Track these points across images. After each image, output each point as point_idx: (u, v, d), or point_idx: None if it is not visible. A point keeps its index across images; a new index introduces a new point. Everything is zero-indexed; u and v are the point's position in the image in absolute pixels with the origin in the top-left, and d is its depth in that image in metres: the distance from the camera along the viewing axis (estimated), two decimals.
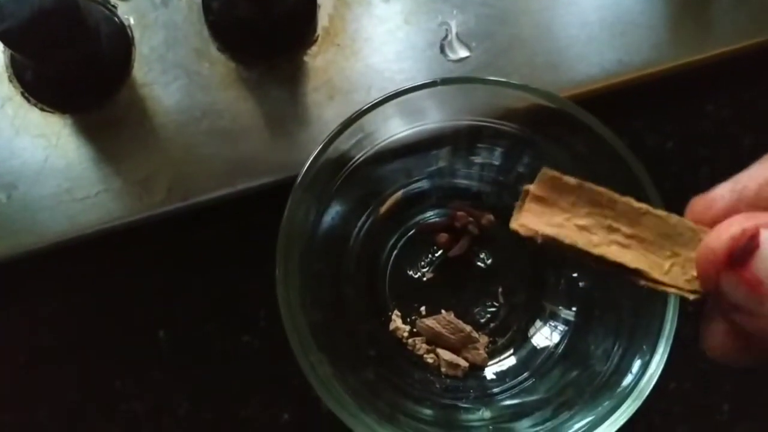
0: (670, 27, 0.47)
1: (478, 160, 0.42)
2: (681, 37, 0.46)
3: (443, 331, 0.42)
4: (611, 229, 0.28)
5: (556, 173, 0.29)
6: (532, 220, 0.28)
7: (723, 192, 0.25)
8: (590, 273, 0.41)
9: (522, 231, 0.28)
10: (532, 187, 0.29)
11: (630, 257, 0.27)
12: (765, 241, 0.21)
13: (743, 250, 0.22)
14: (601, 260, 0.27)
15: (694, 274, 0.26)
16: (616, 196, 0.28)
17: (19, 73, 0.44)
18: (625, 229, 0.27)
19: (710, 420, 0.45)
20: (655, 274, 0.27)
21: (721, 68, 0.47)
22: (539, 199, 0.29)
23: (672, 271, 0.26)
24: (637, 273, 0.27)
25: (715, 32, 0.47)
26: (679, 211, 0.27)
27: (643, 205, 0.27)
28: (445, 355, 0.42)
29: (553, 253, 0.29)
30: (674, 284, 0.26)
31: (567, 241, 0.27)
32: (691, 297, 0.26)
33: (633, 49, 0.46)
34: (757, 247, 0.21)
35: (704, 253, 0.23)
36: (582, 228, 0.28)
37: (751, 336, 0.23)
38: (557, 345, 0.41)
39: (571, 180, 0.28)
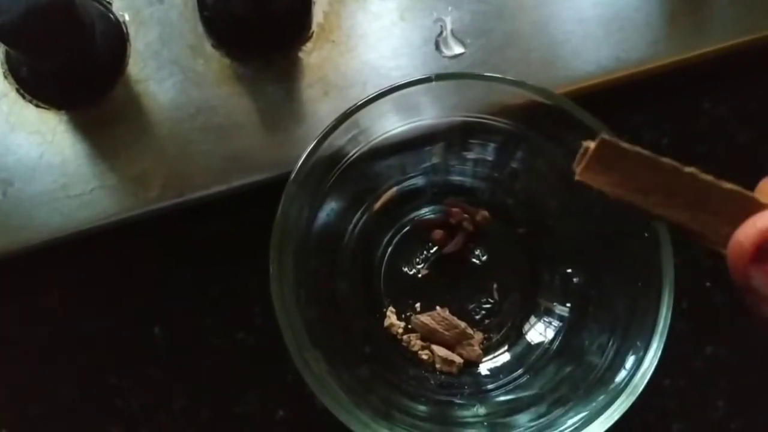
0: (667, 23, 0.46)
1: (471, 156, 0.42)
2: (678, 34, 0.46)
3: (438, 327, 0.42)
4: (670, 194, 0.28)
5: (615, 141, 0.28)
6: (592, 176, 0.29)
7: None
8: (585, 269, 0.41)
9: (587, 182, 0.29)
10: (590, 146, 0.29)
11: (687, 217, 0.27)
12: None
13: None
14: (660, 218, 0.28)
15: None
16: (678, 166, 0.28)
17: (14, 69, 0.44)
18: (684, 195, 0.27)
19: (705, 417, 0.45)
20: (712, 237, 0.27)
21: (717, 65, 0.47)
22: (599, 159, 0.29)
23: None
24: (694, 233, 0.27)
25: (711, 29, 0.47)
26: None
27: (708, 177, 0.27)
28: (440, 351, 0.42)
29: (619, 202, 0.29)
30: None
31: (626, 199, 0.28)
32: None
33: (630, 45, 0.46)
34: None
35: (734, 246, 0.23)
36: (639, 189, 0.28)
37: None
38: (552, 341, 0.41)
39: (628, 148, 0.28)
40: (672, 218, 0.27)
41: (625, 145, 0.28)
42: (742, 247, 0.23)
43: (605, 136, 0.28)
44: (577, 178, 0.29)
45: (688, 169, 0.27)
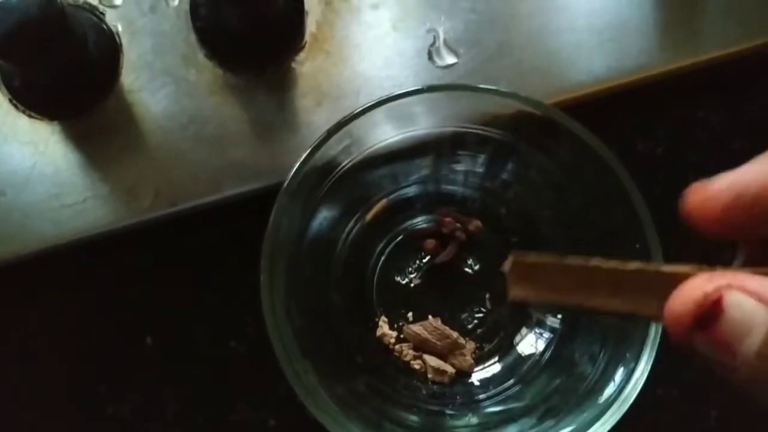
0: (660, 32, 0.47)
1: (460, 167, 0.42)
2: (671, 43, 0.46)
3: (430, 337, 0.42)
4: (591, 288, 0.27)
5: (521, 258, 0.28)
6: (521, 293, 0.28)
7: (722, 187, 0.24)
8: None
9: (520, 299, 0.28)
10: (506, 271, 0.28)
11: (617, 304, 0.27)
12: (729, 304, 0.21)
13: (708, 316, 0.21)
14: (595, 311, 0.27)
15: None
16: (582, 263, 0.27)
17: (6, 79, 0.44)
18: (603, 286, 0.27)
19: (698, 427, 0.45)
20: (648, 313, 0.27)
21: (711, 74, 0.47)
22: (518, 277, 0.28)
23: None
24: (632, 314, 0.27)
25: (705, 38, 0.47)
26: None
27: (611, 264, 0.26)
28: (432, 361, 0.42)
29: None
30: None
31: (559, 303, 0.27)
32: None
33: (623, 54, 0.46)
34: (721, 312, 0.21)
35: (671, 318, 0.22)
36: (564, 292, 0.27)
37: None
38: (543, 352, 0.41)
39: (535, 260, 0.28)
40: (604, 309, 0.27)
41: (532, 258, 0.28)
42: (681, 319, 0.22)
43: (513, 257, 0.28)
44: (509, 300, 0.29)
45: (592, 263, 0.27)
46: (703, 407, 0.45)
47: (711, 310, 0.21)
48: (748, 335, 0.21)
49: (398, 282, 0.44)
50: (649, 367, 0.35)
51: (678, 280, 0.24)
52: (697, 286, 0.22)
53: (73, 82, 0.43)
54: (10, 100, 0.44)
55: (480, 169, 0.42)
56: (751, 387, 0.22)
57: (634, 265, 0.26)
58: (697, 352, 0.22)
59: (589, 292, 0.27)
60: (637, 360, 0.35)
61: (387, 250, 0.44)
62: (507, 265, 0.28)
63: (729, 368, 0.21)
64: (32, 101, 0.44)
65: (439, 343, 0.42)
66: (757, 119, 0.49)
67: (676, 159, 0.48)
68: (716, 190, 0.24)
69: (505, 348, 0.43)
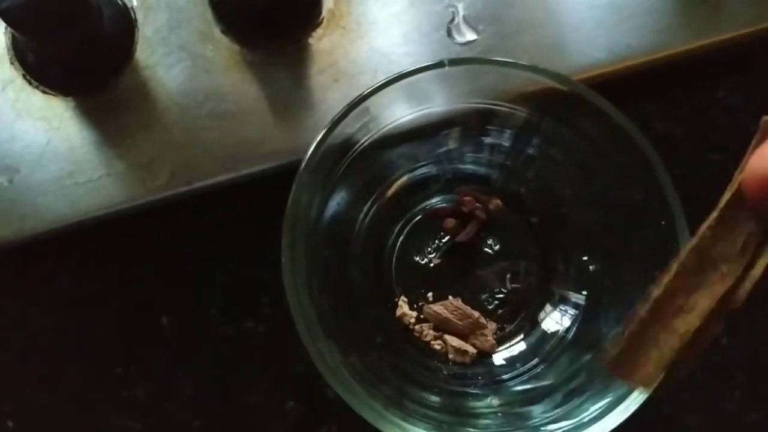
0: (680, 11, 0.46)
1: (488, 141, 0.42)
2: (691, 21, 0.46)
3: (451, 317, 0.42)
4: (674, 314, 0.27)
5: (612, 356, 0.28)
6: (642, 371, 0.28)
7: None
8: (600, 257, 0.41)
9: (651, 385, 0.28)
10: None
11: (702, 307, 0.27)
12: None
13: None
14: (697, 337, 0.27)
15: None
16: (647, 306, 0.27)
17: (20, 55, 0.43)
18: (679, 301, 0.27)
19: (722, 409, 0.44)
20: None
21: (731, 53, 0.47)
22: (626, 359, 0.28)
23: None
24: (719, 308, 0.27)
25: (725, 16, 0.46)
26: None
27: (665, 280, 0.27)
28: (453, 341, 0.41)
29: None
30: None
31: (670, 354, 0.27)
32: None
33: (642, 32, 0.45)
34: None
35: (754, 175, 0.23)
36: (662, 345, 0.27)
37: None
38: (567, 330, 0.41)
39: (623, 345, 0.28)
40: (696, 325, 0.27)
41: (623, 337, 0.28)
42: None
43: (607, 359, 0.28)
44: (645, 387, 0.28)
45: (653, 296, 0.27)
46: (727, 389, 0.44)
47: None
48: None
49: (417, 262, 0.43)
50: None
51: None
52: None
53: (88, 57, 0.43)
54: (24, 76, 0.43)
55: (506, 143, 0.41)
56: None
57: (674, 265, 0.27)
58: None
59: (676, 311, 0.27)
60: None
61: (406, 230, 0.44)
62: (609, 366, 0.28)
63: None
64: (46, 77, 0.43)
65: (460, 323, 0.42)
66: None
67: (696, 139, 0.48)
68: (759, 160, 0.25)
69: (527, 327, 0.42)
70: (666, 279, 0.27)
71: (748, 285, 0.26)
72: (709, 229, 0.26)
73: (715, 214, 0.26)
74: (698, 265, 0.27)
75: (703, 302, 0.26)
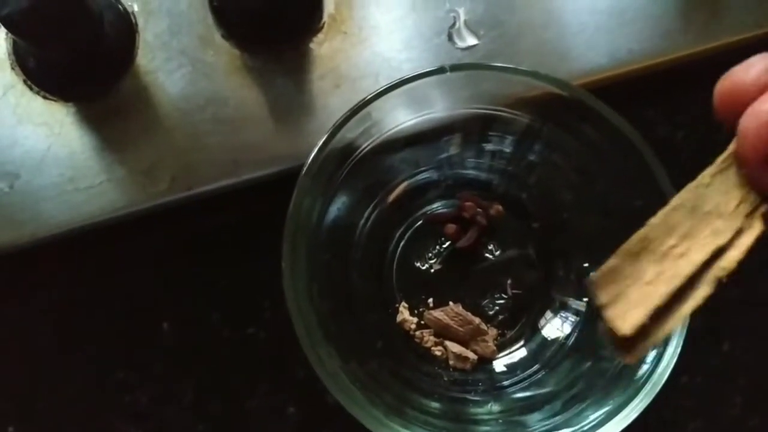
0: (681, 15, 0.46)
1: (489, 147, 0.42)
2: (692, 26, 0.46)
3: (451, 323, 0.41)
4: (665, 254, 0.27)
5: (600, 272, 0.27)
6: (624, 315, 0.27)
7: (748, 66, 0.24)
8: (601, 263, 0.41)
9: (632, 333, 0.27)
10: (600, 300, 0.28)
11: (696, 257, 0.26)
12: None
13: None
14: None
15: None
16: (643, 230, 0.27)
17: (21, 60, 0.43)
18: (672, 240, 0.26)
19: (723, 414, 0.44)
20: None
21: (732, 57, 0.46)
22: (610, 299, 0.27)
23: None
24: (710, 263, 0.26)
25: (726, 21, 0.46)
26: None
27: (662, 210, 0.27)
28: (454, 347, 0.41)
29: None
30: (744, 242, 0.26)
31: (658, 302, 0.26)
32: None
33: (643, 37, 0.45)
34: None
35: (750, 121, 0.23)
36: (650, 282, 0.27)
37: None
38: (568, 336, 0.41)
39: (613, 262, 0.27)
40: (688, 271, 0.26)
41: (605, 266, 0.27)
42: (762, 120, 0.22)
43: (592, 276, 0.27)
44: (624, 331, 0.27)
45: (646, 224, 0.27)
46: (728, 394, 0.44)
47: None
48: None
49: (418, 267, 0.43)
50: (678, 352, 0.34)
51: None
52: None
53: (89, 62, 0.43)
54: (25, 81, 0.43)
55: (508, 150, 0.41)
56: None
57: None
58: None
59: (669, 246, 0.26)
60: (666, 344, 0.34)
61: (407, 235, 0.44)
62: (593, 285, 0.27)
63: None
64: (47, 82, 0.43)
65: (461, 329, 0.41)
66: None
67: (697, 144, 0.47)
68: (742, 69, 0.25)
69: (528, 333, 0.42)
70: (664, 209, 0.26)
71: (736, 253, 0.25)
72: (709, 176, 0.26)
73: (716, 163, 0.26)
74: (694, 208, 0.26)
75: (694, 253, 0.26)
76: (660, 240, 0.26)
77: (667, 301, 0.26)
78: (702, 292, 0.26)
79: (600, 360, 0.37)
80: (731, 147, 0.25)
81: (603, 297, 0.27)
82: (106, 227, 0.43)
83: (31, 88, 0.43)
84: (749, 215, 0.25)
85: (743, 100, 0.23)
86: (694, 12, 0.46)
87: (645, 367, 0.34)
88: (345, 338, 0.38)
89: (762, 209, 0.25)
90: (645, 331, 0.26)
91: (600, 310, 0.27)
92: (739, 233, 0.25)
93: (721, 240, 0.26)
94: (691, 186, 0.26)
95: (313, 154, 0.37)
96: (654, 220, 0.26)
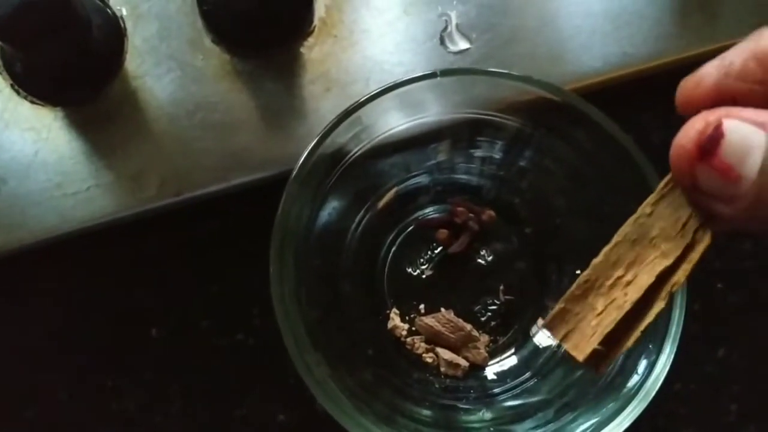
0: (676, 18, 0.46)
1: (478, 153, 0.41)
2: (687, 29, 0.45)
3: (443, 329, 0.41)
4: (612, 285, 0.28)
5: (548, 319, 0.28)
6: (579, 345, 0.28)
7: (710, 69, 0.26)
8: None
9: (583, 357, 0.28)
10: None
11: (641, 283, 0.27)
12: (728, 129, 0.23)
13: (710, 141, 0.23)
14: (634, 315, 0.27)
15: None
16: (586, 273, 0.28)
17: (8, 65, 0.43)
18: (618, 272, 0.27)
19: (717, 421, 0.44)
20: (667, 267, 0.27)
21: None
22: (565, 335, 0.29)
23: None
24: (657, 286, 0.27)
25: (721, 24, 0.46)
26: None
27: (604, 249, 0.28)
28: (445, 354, 0.41)
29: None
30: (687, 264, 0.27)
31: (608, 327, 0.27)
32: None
33: (638, 40, 0.45)
34: (722, 136, 0.23)
35: (676, 152, 0.24)
36: (600, 312, 0.28)
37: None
38: (559, 344, 0.40)
39: (559, 307, 0.28)
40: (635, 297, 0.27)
41: (554, 309, 0.28)
42: (685, 149, 0.24)
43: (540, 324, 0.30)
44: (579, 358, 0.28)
45: (591, 264, 0.28)
46: (722, 401, 0.44)
47: (712, 137, 0.23)
48: (748, 155, 0.23)
49: (409, 273, 0.43)
50: (671, 360, 0.34)
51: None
52: (700, 117, 0.24)
53: (77, 67, 0.42)
54: (12, 86, 0.43)
55: (497, 156, 0.41)
56: (752, 216, 0.23)
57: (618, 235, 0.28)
58: (701, 189, 0.24)
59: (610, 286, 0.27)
60: (659, 352, 0.34)
61: (398, 240, 0.44)
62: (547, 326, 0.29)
63: (730, 197, 0.23)
64: (35, 87, 0.43)
65: (452, 335, 0.41)
66: None
67: None
68: (705, 74, 0.26)
69: (520, 340, 0.42)
70: (606, 248, 0.28)
71: (687, 267, 0.26)
72: (650, 206, 0.27)
73: (656, 192, 0.27)
74: (638, 239, 0.27)
75: (642, 277, 0.27)
76: (605, 276, 0.28)
77: (620, 324, 0.27)
78: (656, 308, 0.27)
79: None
80: (668, 176, 0.27)
81: (557, 335, 0.28)
82: (95, 233, 0.43)
83: (18, 93, 0.43)
84: (698, 230, 0.26)
85: (697, 110, 0.25)
86: (690, 15, 0.46)
87: (637, 376, 0.34)
88: (334, 345, 0.38)
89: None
90: (603, 352, 0.28)
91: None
92: (687, 249, 0.26)
93: (669, 261, 0.26)
94: (631, 220, 0.27)
95: (301, 160, 0.36)
96: (596, 261, 0.28)
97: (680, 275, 0.26)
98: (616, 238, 0.27)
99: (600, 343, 0.27)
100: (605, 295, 0.27)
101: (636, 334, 0.27)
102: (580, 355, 0.27)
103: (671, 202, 0.27)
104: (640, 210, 0.27)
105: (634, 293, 0.27)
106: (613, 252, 0.27)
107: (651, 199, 0.27)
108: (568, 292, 0.28)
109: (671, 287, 0.27)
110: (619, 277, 0.27)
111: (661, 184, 0.27)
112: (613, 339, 0.27)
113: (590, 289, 0.28)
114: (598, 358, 0.28)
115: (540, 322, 0.28)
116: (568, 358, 0.28)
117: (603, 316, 0.27)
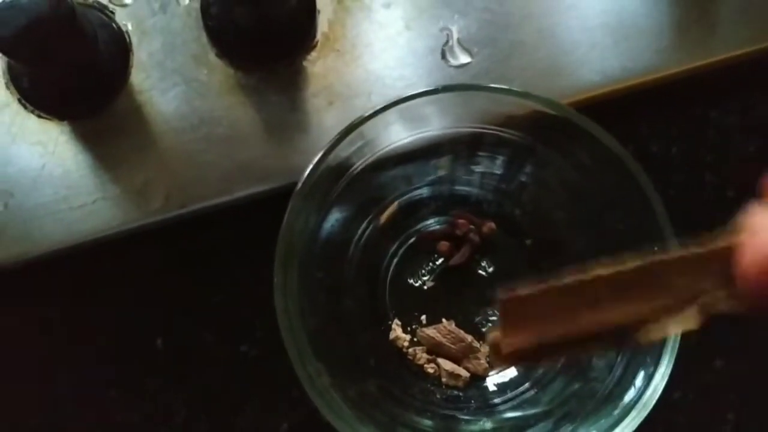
0: (674, 32, 0.46)
1: (479, 168, 0.42)
2: (685, 43, 0.46)
3: (444, 340, 0.42)
4: (592, 303, 0.25)
5: (513, 294, 0.26)
6: (511, 345, 0.26)
7: None
8: None
9: (510, 360, 0.26)
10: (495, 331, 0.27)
11: (642, 310, 0.25)
12: None
13: None
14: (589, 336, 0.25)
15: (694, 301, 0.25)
16: (585, 276, 0.25)
17: (16, 79, 0.43)
18: (607, 293, 0.25)
19: (715, 431, 0.44)
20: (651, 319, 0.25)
21: (725, 74, 0.47)
22: (509, 322, 0.26)
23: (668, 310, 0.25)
24: (630, 327, 0.25)
25: (719, 38, 0.46)
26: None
27: (615, 265, 0.25)
28: (446, 365, 0.41)
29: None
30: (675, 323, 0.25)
31: (564, 347, 0.26)
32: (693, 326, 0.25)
33: (636, 54, 0.46)
34: None
35: (749, 280, 0.23)
36: (567, 322, 0.26)
37: None
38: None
39: (530, 291, 0.26)
40: (624, 320, 0.25)
41: (526, 291, 0.26)
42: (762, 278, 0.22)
43: (501, 296, 0.26)
44: (497, 365, 0.26)
45: (594, 273, 0.25)
46: (720, 410, 0.44)
47: None
48: None
49: (411, 284, 0.44)
50: (669, 372, 0.34)
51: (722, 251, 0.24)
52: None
53: (83, 81, 0.43)
54: (19, 100, 0.43)
55: (498, 171, 0.41)
56: None
57: (634, 262, 0.25)
58: None
59: (594, 309, 0.25)
60: (657, 364, 0.34)
61: (400, 252, 0.44)
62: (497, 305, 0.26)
63: None
64: (41, 101, 0.43)
65: (453, 346, 0.42)
66: None
67: (690, 160, 0.48)
68: None
69: None
70: (615, 268, 0.25)
71: (652, 335, 0.25)
72: (677, 260, 0.25)
73: (692, 251, 0.25)
74: (647, 281, 0.25)
75: (617, 315, 0.25)
76: (596, 291, 0.25)
77: (556, 342, 0.25)
78: (596, 347, 0.26)
79: (591, 380, 0.37)
80: (709, 245, 0.24)
81: (504, 320, 0.26)
82: (100, 245, 0.43)
83: (25, 107, 0.43)
84: (699, 310, 0.25)
85: None
86: (688, 29, 0.46)
87: (636, 388, 0.35)
88: (336, 356, 0.38)
89: (713, 310, 0.25)
90: (522, 355, 0.26)
91: (496, 324, 0.26)
92: (666, 315, 0.25)
93: (653, 318, 0.25)
94: (663, 256, 0.25)
95: (306, 174, 0.37)
96: (602, 271, 0.25)
97: (641, 337, 0.25)
98: (630, 265, 0.25)
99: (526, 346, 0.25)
100: (580, 306, 0.25)
101: (558, 360, 0.25)
102: (504, 352, 0.26)
103: (703, 267, 0.24)
104: (680, 251, 0.25)
105: (591, 323, 0.25)
106: (622, 273, 0.25)
107: (684, 253, 0.25)
108: (547, 284, 0.25)
109: (625, 343, 0.25)
110: (597, 299, 0.25)
111: (703, 248, 0.24)
112: (534, 353, 0.26)
113: (573, 294, 0.25)
114: (507, 356, 0.26)
115: (500, 293, 0.26)
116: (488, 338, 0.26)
117: (553, 326, 0.25)
